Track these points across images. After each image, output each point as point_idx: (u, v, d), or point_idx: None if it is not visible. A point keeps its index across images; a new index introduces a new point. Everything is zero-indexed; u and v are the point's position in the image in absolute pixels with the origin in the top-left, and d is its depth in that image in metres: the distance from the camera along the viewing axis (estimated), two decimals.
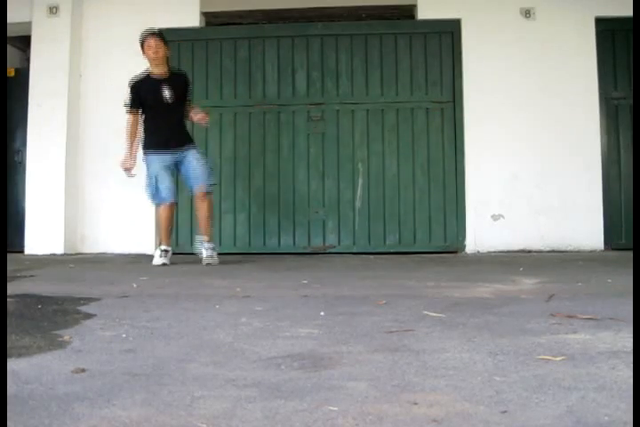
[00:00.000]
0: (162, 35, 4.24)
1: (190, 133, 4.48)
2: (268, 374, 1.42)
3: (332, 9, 5.33)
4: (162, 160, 4.23)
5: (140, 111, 4.29)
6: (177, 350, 1.68)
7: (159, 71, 4.24)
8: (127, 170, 4.27)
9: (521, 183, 5.04)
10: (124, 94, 4.31)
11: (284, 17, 5.42)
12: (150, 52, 4.19)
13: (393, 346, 1.68)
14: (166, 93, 4.20)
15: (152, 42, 4.17)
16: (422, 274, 3.61)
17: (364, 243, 5.15)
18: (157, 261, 4.21)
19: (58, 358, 1.58)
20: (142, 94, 4.23)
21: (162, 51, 4.20)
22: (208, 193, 4.30)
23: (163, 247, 4.28)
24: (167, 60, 4.29)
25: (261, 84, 5.32)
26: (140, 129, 4.31)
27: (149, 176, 4.26)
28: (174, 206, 4.38)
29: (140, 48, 4.23)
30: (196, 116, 4.28)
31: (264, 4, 5.32)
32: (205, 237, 4.29)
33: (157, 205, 4.39)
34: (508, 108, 5.07)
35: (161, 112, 4.24)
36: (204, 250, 4.25)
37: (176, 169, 4.34)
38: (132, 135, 4.29)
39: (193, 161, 4.25)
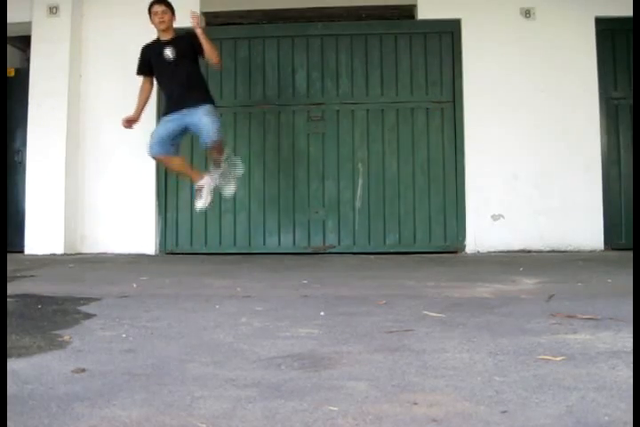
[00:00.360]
0: (167, 1, 4.29)
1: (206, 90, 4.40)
2: (267, 374, 1.42)
3: (331, 9, 5.32)
4: (168, 120, 4.31)
5: (152, 76, 4.42)
6: (177, 350, 1.68)
7: (165, 36, 4.32)
8: (128, 122, 4.39)
9: (521, 183, 5.04)
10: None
11: (284, 17, 5.42)
12: (156, 19, 4.28)
13: (393, 346, 1.68)
14: (168, 52, 4.26)
15: (157, 8, 4.26)
16: (422, 274, 3.61)
17: (364, 243, 5.15)
18: (198, 205, 4.33)
19: (58, 358, 1.59)
20: (149, 58, 4.35)
21: (167, 17, 4.28)
22: (216, 142, 4.24)
23: (195, 186, 4.36)
24: (172, 26, 4.33)
25: (261, 84, 5.32)
26: (149, 93, 4.49)
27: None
28: (172, 158, 4.38)
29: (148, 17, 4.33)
30: (210, 59, 4.27)
31: (264, 4, 5.32)
32: (216, 159, 4.30)
33: (154, 159, 4.45)
34: (508, 108, 5.07)
35: (166, 72, 4.31)
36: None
37: (188, 130, 4.35)
38: (140, 99, 4.45)
39: (202, 117, 4.20)
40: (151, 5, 4.29)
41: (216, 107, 4.40)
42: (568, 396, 1.22)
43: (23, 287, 2.96)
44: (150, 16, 4.31)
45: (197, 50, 4.26)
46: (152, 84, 4.48)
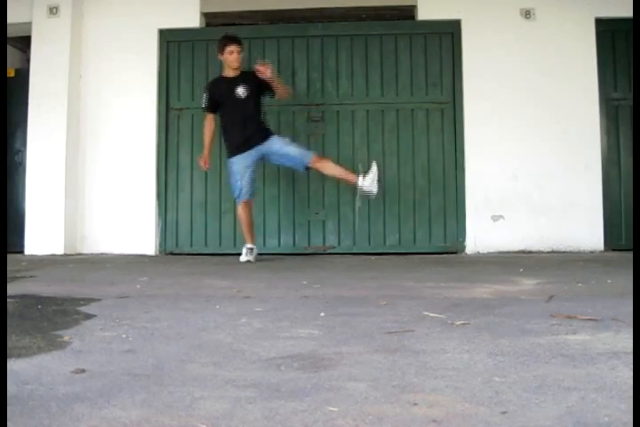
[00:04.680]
0: (241, 40, 4.52)
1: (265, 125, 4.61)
2: (267, 374, 1.42)
3: (331, 10, 5.33)
4: (243, 161, 4.45)
5: (217, 112, 4.56)
6: (177, 351, 1.68)
7: (233, 73, 4.50)
8: (204, 164, 4.63)
9: (521, 184, 5.04)
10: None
11: (284, 18, 5.42)
12: (231, 58, 4.44)
13: (393, 347, 1.68)
14: (239, 90, 4.43)
15: (234, 48, 4.44)
16: (422, 275, 3.61)
17: (364, 243, 5.15)
18: (243, 258, 4.44)
19: (58, 359, 1.59)
20: (217, 95, 4.50)
21: (240, 57, 4.51)
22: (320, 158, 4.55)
23: (248, 246, 4.48)
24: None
25: None
26: (215, 130, 4.63)
27: (234, 177, 4.50)
28: (250, 204, 4.58)
29: (219, 50, 4.49)
30: (280, 91, 4.52)
31: (264, 5, 5.32)
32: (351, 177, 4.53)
33: (237, 203, 4.56)
34: (508, 109, 5.07)
35: (235, 110, 4.45)
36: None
37: (264, 162, 4.68)
38: (207, 136, 4.62)
39: (282, 148, 4.47)
40: (227, 43, 4.44)
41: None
42: (568, 397, 1.22)
43: (23, 288, 2.96)
44: (222, 51, 4.45)
45: (262, 89, 4.48)
46: (213, 122, 4.62)
